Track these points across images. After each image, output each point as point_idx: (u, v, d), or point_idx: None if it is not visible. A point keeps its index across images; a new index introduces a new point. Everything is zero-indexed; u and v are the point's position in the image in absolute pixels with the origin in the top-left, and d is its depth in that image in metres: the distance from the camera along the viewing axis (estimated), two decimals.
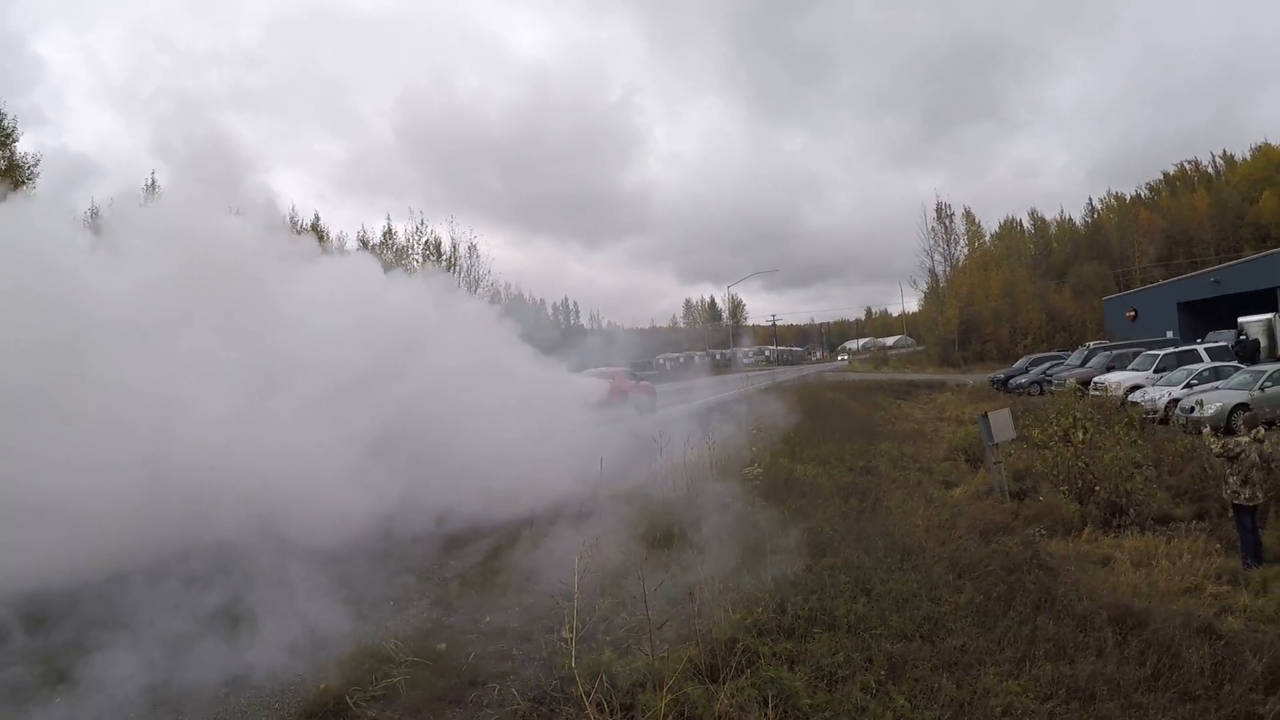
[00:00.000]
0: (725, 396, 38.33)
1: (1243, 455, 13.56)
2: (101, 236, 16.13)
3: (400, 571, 14.00)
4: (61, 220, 15.02)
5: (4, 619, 11.18)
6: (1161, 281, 79.18)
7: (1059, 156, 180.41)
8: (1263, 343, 48.12)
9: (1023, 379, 46.75)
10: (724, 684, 8.71)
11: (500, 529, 15.94)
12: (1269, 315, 51.20)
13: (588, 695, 8.05)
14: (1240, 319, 51.99)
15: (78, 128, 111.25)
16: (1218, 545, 14.26)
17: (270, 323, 16.28)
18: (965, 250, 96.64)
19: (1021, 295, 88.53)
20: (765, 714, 8.07)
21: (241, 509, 14.10)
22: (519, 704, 8.85)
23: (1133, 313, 72.23)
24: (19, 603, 11.59)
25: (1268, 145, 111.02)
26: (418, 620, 11.78)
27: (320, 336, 16.48)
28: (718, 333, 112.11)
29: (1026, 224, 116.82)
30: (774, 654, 9.70)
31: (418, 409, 17.06)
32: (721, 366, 68.49)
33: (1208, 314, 60.54)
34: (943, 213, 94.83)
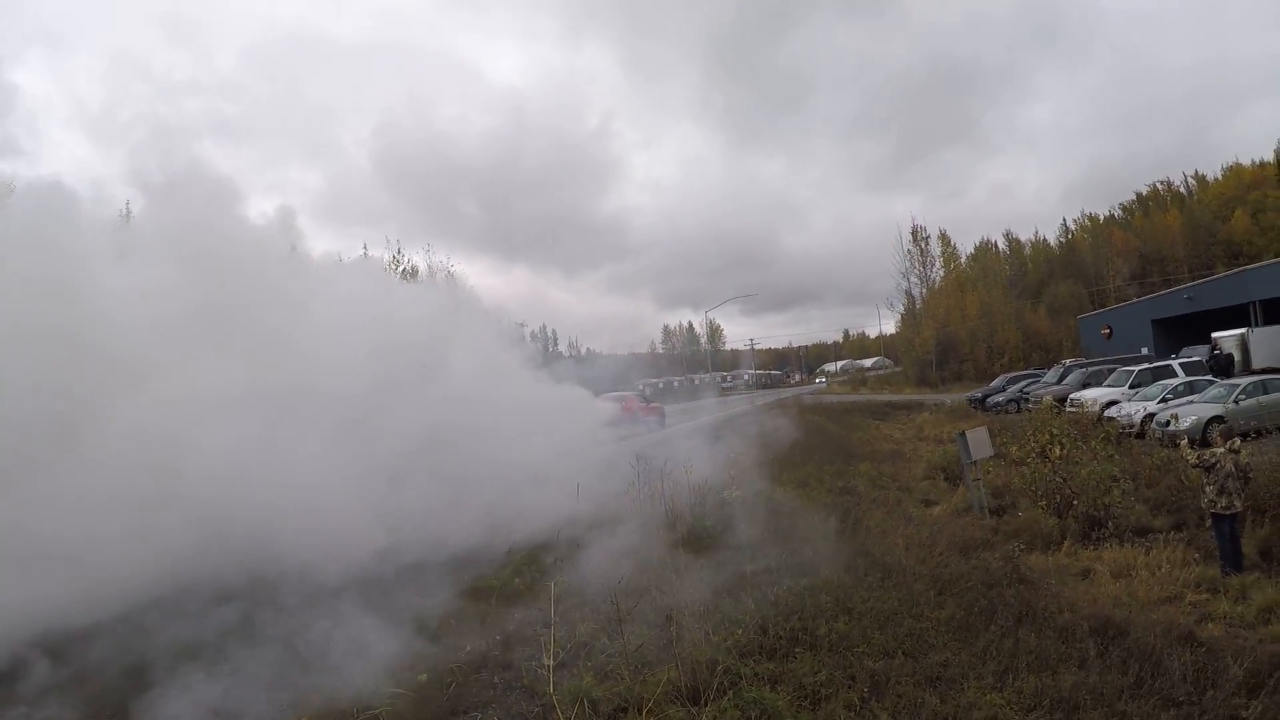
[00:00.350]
0: (704, 421, 38.26)
1: (1218, 465, 13.66)
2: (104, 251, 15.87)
3: (387, 601, 13.89)
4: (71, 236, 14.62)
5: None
6: (1135, 299, 79.79)
7: (1033, 178, 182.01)
8: (1237, 357, 48.54)
9: (1000, 397, 46.94)
10: (705, 705, 8.66)
11: (497, 556, 15.86)
12: (1242, 330, 51.66)
13: None
14: (1214, 334, 52.44)
15: (53, 157, 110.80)
16: (1196, 555, 14.32)
17: (285, 343, 16.15)
18: (941, 272, 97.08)
19: (997, 315, 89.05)
20: None
21: (244, 541, 14.02)
22: None
23: (1108, 330, 72.74)
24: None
25: (1239, 165, 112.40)
26: (400, 651, 11.66)
27: (336, 357, 16.38)
28: (696, 358, 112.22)
29: (1002, 245, 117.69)
30: (756, 674, 9.67)
31: (438, 432, 17.07)
32: (699, 391, 68.60)
33: (1182, 330, 61.07)
34: (918, 235, 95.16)
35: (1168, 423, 26.84)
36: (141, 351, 14.47)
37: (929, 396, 63.08)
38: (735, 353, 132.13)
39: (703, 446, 23.92)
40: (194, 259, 15.46)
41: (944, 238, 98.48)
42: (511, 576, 14.43)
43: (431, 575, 14.80)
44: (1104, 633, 10.57)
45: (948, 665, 9.90)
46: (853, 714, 8.67)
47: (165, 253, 15.71)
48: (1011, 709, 8.82)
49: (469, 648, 11.49)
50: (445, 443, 17.15)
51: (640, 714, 8.29)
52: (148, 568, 13.09)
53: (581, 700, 8.79)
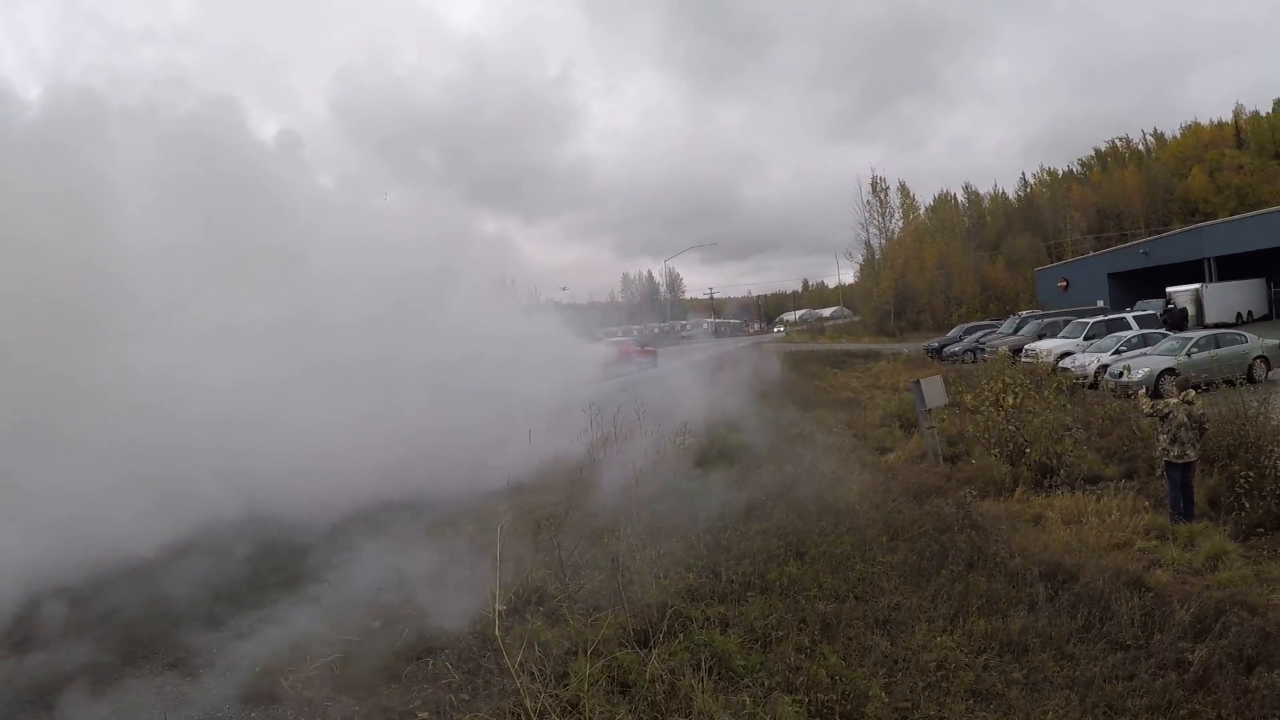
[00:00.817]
0: (661, 370, 38.17)
1: (1171, 415, 13.74)
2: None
3: (349, 548, 13.78)
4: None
5: None
6: (1092, 253, 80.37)
7: (994, 132, 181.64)
8: (1191, 311, 49.11)
9: (956, 347, 47.02)
10: (654, 649, 8.61)
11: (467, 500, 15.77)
12: (1196, 285, 52.30)
13: (520, 665, 7.87)
14: (1169, 289, 53.03)
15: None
16: (1146, 503, 14.39)
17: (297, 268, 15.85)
18: (900, 223, 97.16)
19: (955, 267, 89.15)
20: (699, 676, 7.96)
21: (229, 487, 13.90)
22: (453, 677, 8.69)
23: (1064, 283, 73.24)
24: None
25: (1197, 124, 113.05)
26: (356, 598, 11.56)
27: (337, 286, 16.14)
28: (656, 307, 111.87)
29: (961, 198, 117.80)
30: (706, 618, 9.64)
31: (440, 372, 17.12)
32: (660, 339, 68.61)
33: (1137, 284, 61.59)
34: (877, 186, 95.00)
35: (1121, 374, 27.06)
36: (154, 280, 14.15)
37: (887, 346, 63.21)
38: (693, 301, 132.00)
39: (661, 392, 23.92)
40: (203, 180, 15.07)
41: (903, 189, 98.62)
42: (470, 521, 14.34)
43: (408, 516, 14.75)
44: (1054, 578, 10.65)
45: (899, 608, 9.95)
46: (803, 656, 8.65)
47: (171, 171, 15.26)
48: (961, 651, 8.85)
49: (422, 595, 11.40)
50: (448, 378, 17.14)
51: (588, 656, 8.22)
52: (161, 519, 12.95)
53: (531, 643, 8.71)
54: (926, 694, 8.02)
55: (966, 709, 7.76)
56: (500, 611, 8.80)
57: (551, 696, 7.60)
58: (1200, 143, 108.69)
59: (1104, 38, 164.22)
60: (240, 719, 8.48)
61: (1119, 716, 7.60)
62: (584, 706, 7.52)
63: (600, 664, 8.21)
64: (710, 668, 8.24)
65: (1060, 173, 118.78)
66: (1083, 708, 7.71)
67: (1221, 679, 7.93)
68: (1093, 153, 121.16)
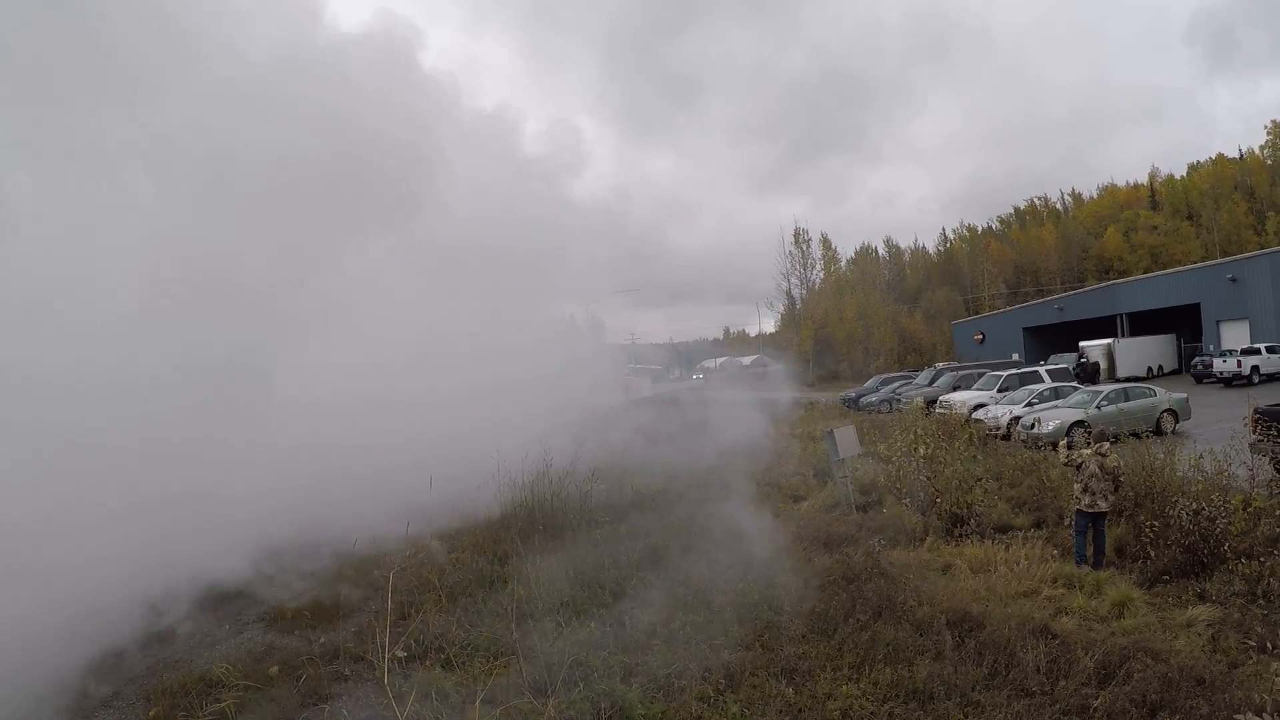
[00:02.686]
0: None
1: (1084, 465, 13.87)
2: None
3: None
4: None
5: None
6: (1008, 308, 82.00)
7: (917, 189, 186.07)
8: (1103, 365, 50.22)
9: (873, 398, 47.36)
10: (552, 697, 8.40)
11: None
12: (1109, 340, 53.52)
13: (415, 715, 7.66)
14: (1081, 343, 54.21)
15: None
16: (1054, 551, 14.45)
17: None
18: (821, 274, 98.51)
19: (875, 318, 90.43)
20: None
21: None
22: None
23: (980, 336, 74.64)
24: None
25: (1114, 185, 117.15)
26: (251, 644, 11.24)
27: None
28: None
29: (882, 251, 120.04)
30: (609, 666, 9.43)
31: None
32: None
33: (1052, 339, 63.05)
34: (800, 238, 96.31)
35: (1032, 425, 27.42)
36: None
37: (804, 395, 63.52)
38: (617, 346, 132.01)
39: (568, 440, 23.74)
40: None
41: (825, 241, 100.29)
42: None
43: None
44: (961, 626, 10.59)
45: (804, 657, 9.80)
46: (705, 705, 8.46)
47: None
48: (867, 699, 8.74)
49: (323, 639, 11.14)
50: None
51: (488, 705, 7.99)
52: None
53: (430, 693, 8.53)
54: None
55: None
56: (401, 658, 8.63)
57: None
58: (1116, 203, 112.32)
59: (1026, 100, 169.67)
60: None
61: None
62: None
63: (497, 712, 7.99)
64: (609, 717, 8.05)
65: (980, 229, 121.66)
66: None
67: None
68: (1012, 210, 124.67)
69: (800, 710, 8.52)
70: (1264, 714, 7.02)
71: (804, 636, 10.47)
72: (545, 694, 8.64)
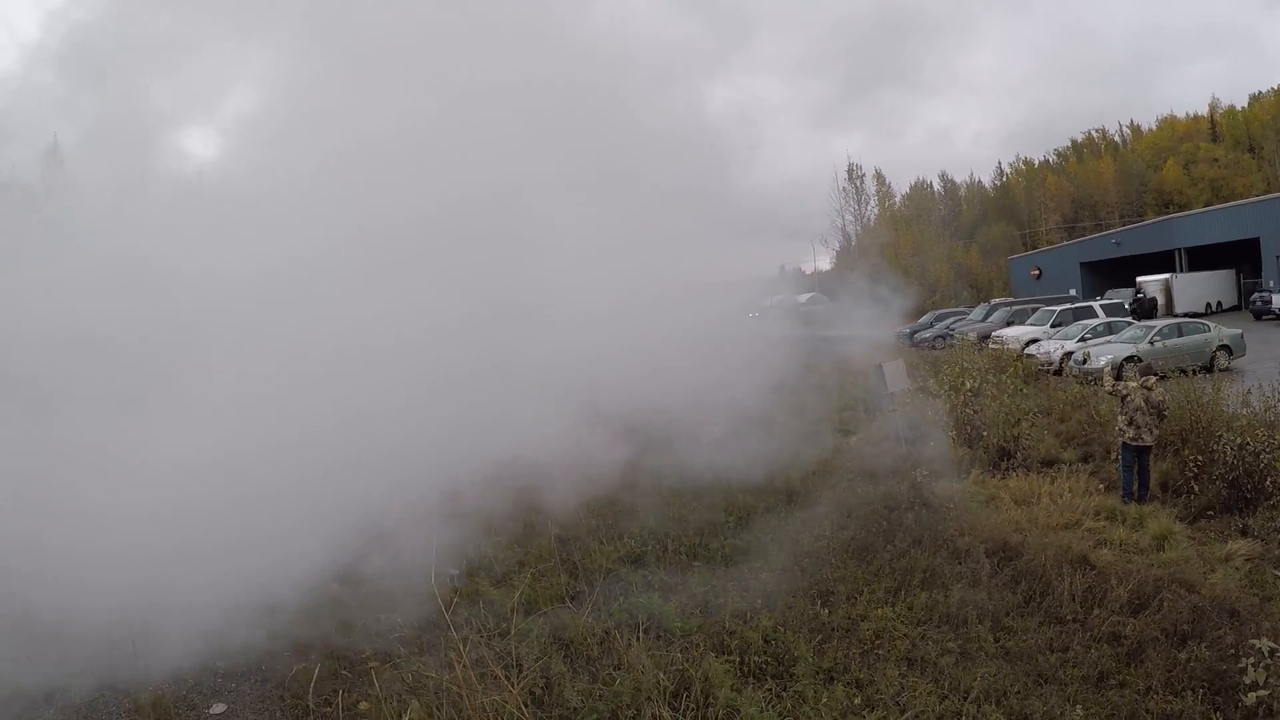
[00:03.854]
0: None
1: (1129, 398, 13.84)
2: None
3: None
4: None
5: None
6: (1065, 243, 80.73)
7: (973, 123, 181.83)
8: (1160, 301, 49.47)
9: (927, 333, 47.08)
10: (589, 605, 8.71)
11: None
12: (1166, 276, 52.64)
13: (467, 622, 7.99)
14: (1139, 278, 53.33)
15: None
16: (1100, 485, 14.47)
17: None
18: (876, 210, 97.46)
19: (930, 254, 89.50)
20: (637, 635, 8.02)
21: None
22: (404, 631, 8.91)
23: (1037, 271, 73.61)
24: None
25: (1173, 118, 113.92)
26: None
27: None
28: None
29: (937, 186, 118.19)
30: (649, 583, 9.69)
31: None
32: None
33: (1109, 274, 62.01)
34: (854, 174, 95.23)
35: (1084, 360, 27.21)
36: None
37: (859, 331, 63.13)
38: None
39: None
40: None
41: (879, 177, 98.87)
42: None
43: None
44: (1000, 554, 10.70)
45: (842, 580, 9.97)
46: (740, 621, 8.68)
47: None
48: (900, 621, 8.92)
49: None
50: None
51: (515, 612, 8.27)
52: None
53: (476, 601, 8.92)
54: (860, 659, 8.08)
55: (898, 674, 7.82)
56: (452, 574, 8.95)
57: (490, 647, 7.67)
58: (1176, 136, 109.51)
59: (1084, 33, 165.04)
60: None
61: (1049, 685, 7.66)
62: (518, 653, 7.60)
63: (541, 619, 8.31)
64: (647, 628, 8.30)
65: (1037, 163, 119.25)
66: (1013, 676, 7.76)
67: (1154, 652, 8.02)
68: (1069, 143, 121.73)
69: (833, 630, 8.72)
70: None
71: (842, 562, 10.65)
72: (583, 604, 8.93)
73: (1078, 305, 39.69)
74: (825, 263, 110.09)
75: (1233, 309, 52.96)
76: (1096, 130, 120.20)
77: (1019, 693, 7.53)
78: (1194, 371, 17.12)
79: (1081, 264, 66.86)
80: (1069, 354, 29.82)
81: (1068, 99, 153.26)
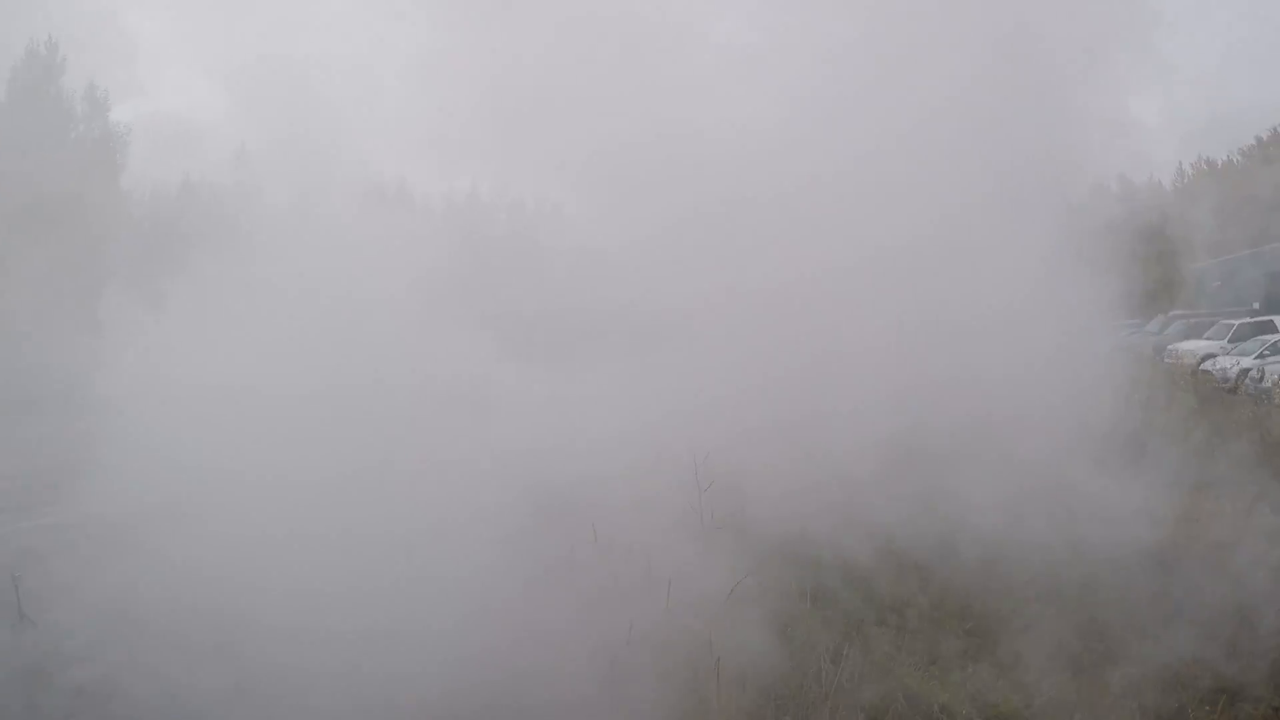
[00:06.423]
0: None
1: None
2: None
3: None
4: None
5: None
6: (1248, 250, 77.26)
7: (1150, 119, 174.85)
8: None
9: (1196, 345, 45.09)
10: None
11: None
12: None
13: None
14: None
15: (169, 96, 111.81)
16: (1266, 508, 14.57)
17: None
18: None
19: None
20: None
21: None
22: None
23: (1219, 282, 70.73)
24: None
25: None
26: None
27: None
28: None
29: (1114, 188, 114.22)
30: None
31: None
32: None
33: None
34: None
35: (1260, 378, 26.67)
36: None
37: None
38: None
39: None
40: None
41: None
42: None
43: None
44: None
45: None
46: None
47: None
48: None
49: None
50: None
51: None
52: None
53: None
54: None
55: None
56: None
57: None
58: None
59: (1269, 18, 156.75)
60: None
61: None
62: None
63: None
64: None
65: (1220, 164, 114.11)
66: None
67: None
68: (1254, 141, 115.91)
69: None
70: None
71: None
72: None
73: (1259, 319, 38.32)
74: None
75: None
76: None
77: None
78: None
79: (1266, 274, 64.04)
80: (1246, 371, 29.18)
81: (1251, 93, 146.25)
